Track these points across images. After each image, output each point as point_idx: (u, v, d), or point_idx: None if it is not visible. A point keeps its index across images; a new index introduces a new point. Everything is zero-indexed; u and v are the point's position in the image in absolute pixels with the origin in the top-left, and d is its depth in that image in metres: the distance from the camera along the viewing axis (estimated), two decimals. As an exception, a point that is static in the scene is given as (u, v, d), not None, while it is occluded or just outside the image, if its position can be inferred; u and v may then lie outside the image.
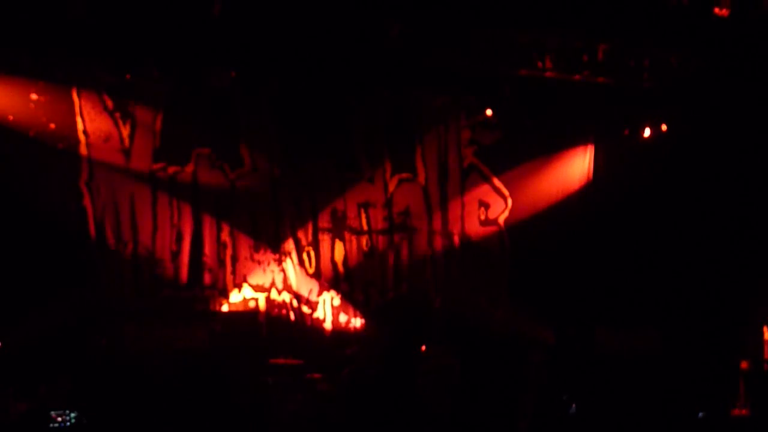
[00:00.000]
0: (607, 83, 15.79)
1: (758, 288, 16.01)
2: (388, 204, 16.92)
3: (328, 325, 16.29)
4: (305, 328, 16.07)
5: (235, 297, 15.84)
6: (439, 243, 17.15)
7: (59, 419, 12.09)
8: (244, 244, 16.00)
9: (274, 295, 16.04)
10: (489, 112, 16.56)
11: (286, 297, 16.09)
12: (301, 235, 16.34)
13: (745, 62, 15.11)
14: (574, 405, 12.72)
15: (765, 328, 14.66)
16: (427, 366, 15.28)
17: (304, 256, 16.32)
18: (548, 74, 15.57)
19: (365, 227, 16.75)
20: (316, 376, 14.34)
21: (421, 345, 15.79)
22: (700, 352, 15.45)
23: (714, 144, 16.35)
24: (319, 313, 16.25)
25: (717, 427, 13.71)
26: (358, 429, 13.44)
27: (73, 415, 12.08)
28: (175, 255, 15.56)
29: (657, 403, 14.68)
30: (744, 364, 14.70)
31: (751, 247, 16.34)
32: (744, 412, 13.63)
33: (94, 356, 13.28)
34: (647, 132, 16.61)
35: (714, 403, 13.78)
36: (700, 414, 13.37)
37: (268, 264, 16.09)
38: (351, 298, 16.54)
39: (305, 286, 16.22)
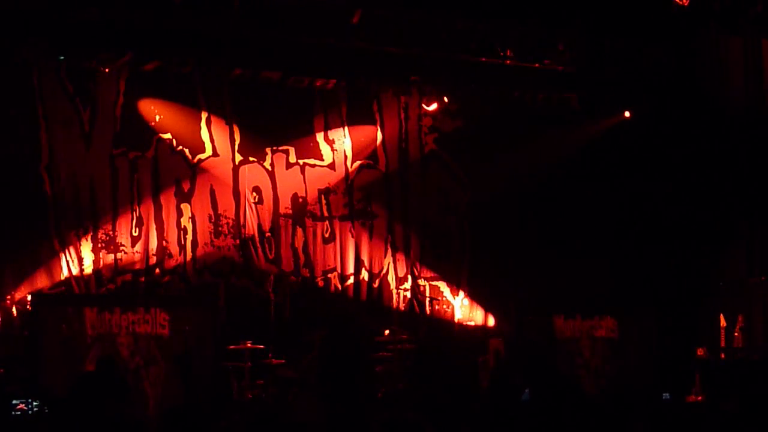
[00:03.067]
0: (568, 71, 15.91)
1: (715, 276, 16.20)
2: (349, 190, 16.96)
3: (287, 310, 16.30)
4: (265, 314, 16.05)
5: (195, 282, 15.84)
6: (399, 230, 17.22)
7: (21, 407, 12.00)
8: (205, 230, 15.98)
9: (234, 280, 16.04)
10: (446, 99, 16.63)
11: (246, 282, 16.08)
12: (261, 220, 16.34)
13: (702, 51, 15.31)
14: (527, 390, 12.78)
15: (721, 316, 14.81)
16: (386, 353, 15.39)
17: (265, 241, 16.33)
18: (509, 62, 15.69)
19: (326, 213, 16.79)
20: (276, 361, 14.37)
21: (384, 330, 15.91)
22: (656, 339, 15.60)
23: (674, 132, 16.49)
24: (279, 299, 16.25)
25: (673, 413, 13.85)
26: (321, 415, 13.46)
27: (35, 403, 11.99)
28: (136, 240, 15.51)
29: (615, 387, 14.83)
30: (700, 351, 14.87)
31: (707, 234, 16.51)
32: (699, 398, 13.78)
33: (54, 342, 13.20)
34: (608, 119, 16.75)
35: (670, 390, 13.91)
36: (665, 395, 13.49)
37: (228, 249, 16.09)
38: (311, 284, 16.58)
39: (266, 271, 16.21)
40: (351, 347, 14.50)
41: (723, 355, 14.77)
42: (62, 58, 14.23)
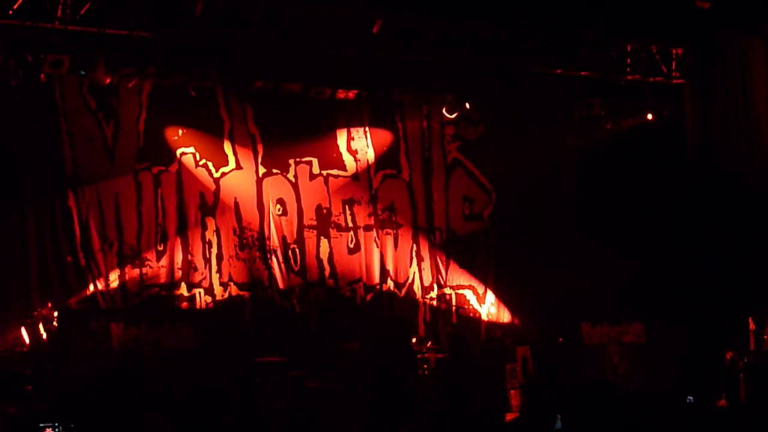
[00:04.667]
0: (590, 76, 15.85)
1: (744, 280, 16.05)
2: (373, 200, 16.95)
3: (314, 322, 16.29)
4: (291, 326, 16.06)
5: (221, 295, 15.84)
6: (423, 239, 17.18)
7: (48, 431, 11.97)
8: (229, 243, 16.00)
9: (259, 293, 16.03)
10: (468, 106, 16.59)
11: (271, 295, 16.08)
12: (286, 232, 16.34)
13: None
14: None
15: (750, 319, 14.68)
16: (416, 360, 15.34)
17: (290, 253, 16.33)
18: (531, 68, 15.64)
19: (350, 224, 16.77)
20: (303, 373, 14.35)
21: (411, 338, 15.87)
22: (685, 344, 15.47)
23: (701, 135, 16.35)
24: (305, 311, 16.25)
25: (702, 417, 13.73)
26: (347, 425, 13.43)
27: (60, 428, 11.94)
28: (161, 254, 15.55)
29: (644, 392, 14.71)
30: (728, 355, 14.74)
31: (737, 239, 16.36)
32: (727, 403, 13.67)
33: (81, 357, 13.23)
34: (630, 123, 16.66)
35: (699, 394, 13.79)
36: (689, 398, 13.37)
37: (254, 262, 16.09)
38: (337, 295, 16.55)
39: (291, 283, 16.21)
40: (398, 359, 14.48)
41: (752, 359, 14.63)
42: (83, 73, 14.25)
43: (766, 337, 14.66)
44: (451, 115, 17.04)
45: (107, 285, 15.11)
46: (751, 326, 14.70)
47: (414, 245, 17.12)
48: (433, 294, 17.10)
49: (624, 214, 16.90)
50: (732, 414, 12.47)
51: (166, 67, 14.28)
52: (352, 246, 16.77)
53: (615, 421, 8.90)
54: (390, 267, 16.92)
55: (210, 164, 15.98)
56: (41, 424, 11.87)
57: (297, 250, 16.39)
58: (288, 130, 16.36)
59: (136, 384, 12.70)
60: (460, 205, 17.46)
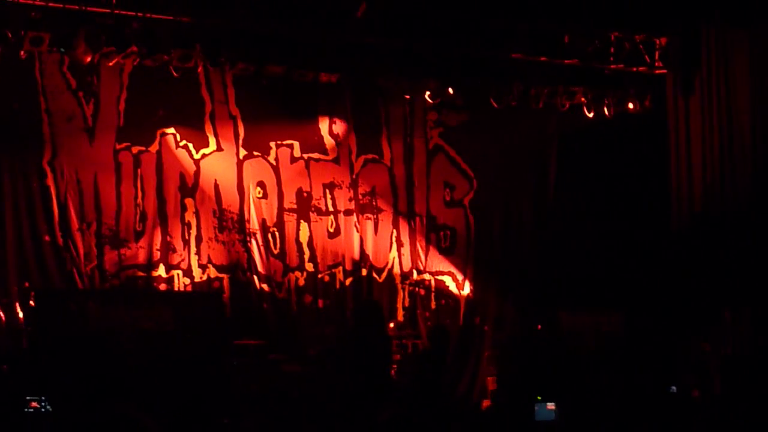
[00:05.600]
0: (573, 64, 15.84)
1: (721, 271, 16.09)
2: (354, 185, 16.92)
3: (292, 305, 16.27)
4: (270, 309, 16.04)
5: (200, 277, 15.79)
6: (403, 224, 17.16)
7: (35, 404, 11.89)
8: (209, 225, 15.94)
9: (238, 275, 15.99)
10: (451, 92, 16.54)
11: (250, 278, 16.04)
12: (266, 215, 16.30)
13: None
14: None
15: (726, 311, 14.72)
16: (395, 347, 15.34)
17: (269, 236, 16.29)
18: (514, 56, 15.61)
19: (330, 208, 16.74)
20: (281, 356, 14.33)
21: (390, 322, 15.90)
22: (661, 335, 15.52)
23: (683, 125, 16.36)
24: (283, 294, 16.22)
25: (680, 407, 13.80)
26: (325, 409, 13.42)
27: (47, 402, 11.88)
28: (140, 235, 15.48)
29: (623, 381, 14.77)
30: (706, 346, 14.79)
31: (713, 230, 16.40)
32: (702, 393, 13.74)
33: (58, 338, 13.16)
34: (612, 112, 16.65)
35: (676, 384, 13.86)
36: (672, 388, 13.44)
37: (233, 245, 16.04)
38: (316, 279, 16.53)
39: (270, 267, 16.18)
40: (373, 342, 14.47)
41: (728, 350, 14.68)
42: (64, 51, 14.14)
43: (741, 328, 14.72)
44: (433, 101, 17.01)
45: (85, 265, 15.03)
46: (727, 317, 14.75)
47: (394, 230, 17.09)
48: (413, 280, 17.06)
49: (604, 202, 16.92)
50: (706, 405, 12.53)
51: (148, 47, 14.18)
52: (332, 230, 16.74)
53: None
54: (370, 252, 16.90)
55: (190, 145, 15.90)
56: (27, 398, 11.83)
57: (277, 234, 16.35)
58: (270, 113, 16.31)
59: (112, 365, 12.66)
60: (441, 191, 17.45)
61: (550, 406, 12.03)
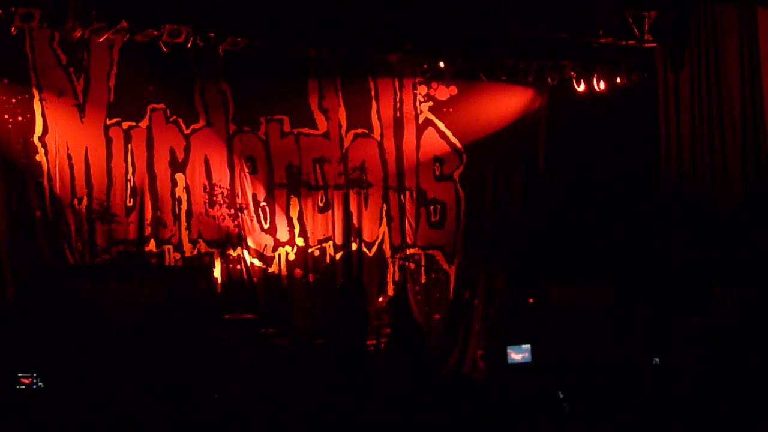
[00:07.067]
0: (563, 38, 15.83)
1: (710, 243, 16.15)
2: (344, 159, 16.93)
3: (282, 280, 16.33)
4: (260, 284, 16.10)
5: (190, 252, 15.83)
6: (393, 198, 17.19)
7: (27, 381, 11.90)
8: (199, 200, 15.97)
9: (229, 250, 16.04)
10: (441, 64, 16.57)
11: (241, 252, 16.08)
12: (256, 190, 16.33)
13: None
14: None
15: (716, 283, 14.78)
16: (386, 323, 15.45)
17: (260, 211, 16.33)
18: (504, 29, 15.60)
19: (320, 183, 16.77)
20: (271, 330, 14.40)
21: (379, 297, 16.01)
22: (651, 307, 15.59)
23: (672, 99, 16.39)
24: (274, 269, 16.28)
25: (669, 379, 13.87)
26: (315, 384, 13.51)
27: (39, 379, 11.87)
28: (130, 210, 15.51)
29: (610, 352, 14.85)
30: (695, 319, 14.86)
31: (703, 203, 16.45)
32: (692, 366, 13.79)
33: (49, 313, 13.21)
34: (602, 86, 16.69)
35: (665, 357, 13.93)
36: (655, 360, 13.51)
37: (223, 219, 16.08)
38: (306, 254, 16.58)
39: (260, 241, 16.23)
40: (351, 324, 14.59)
41: (718, 322, 14.74)
42: (54, 27, 14.12)
43: (732, 300, 14.78)
44: (423, 75, 17.05)
45: (76, 240, 15.06)
46: (717, 290, 14.81)
47: (384, 205, 17.11)
48: (403, 254, 17.11)
49: (594, 176, 16.96)
50: (697, 377, 12.60)
51: (138, 22, 14.16)
52: (322, 205, 16.77)
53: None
54: (360, 226, 16.94)
55: (180, 121, 15.91)
56: (19, 374, 11.85)
57: (267, 208, 16.39)
58: (259, 88, 16.28)
59: (103, 339, 12.72)
60: (430, 165, 17.45)
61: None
